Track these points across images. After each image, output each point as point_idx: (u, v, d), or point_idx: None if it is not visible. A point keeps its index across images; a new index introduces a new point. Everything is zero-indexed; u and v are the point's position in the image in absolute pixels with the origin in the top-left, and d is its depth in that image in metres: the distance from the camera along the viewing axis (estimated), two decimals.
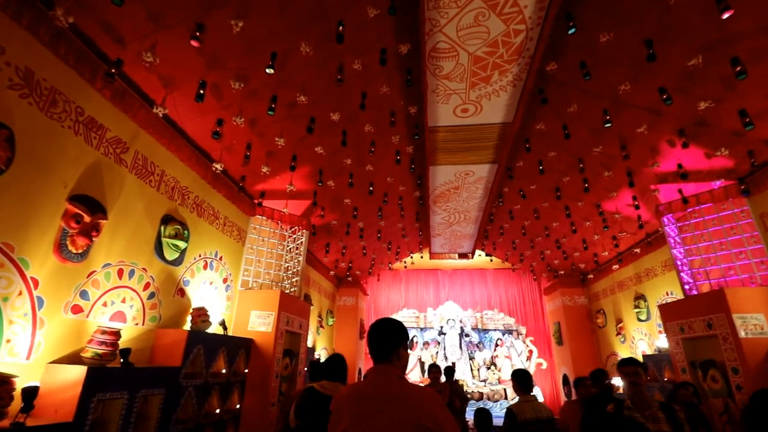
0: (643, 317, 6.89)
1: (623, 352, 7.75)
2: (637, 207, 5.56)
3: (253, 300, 4.93)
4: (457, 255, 11.59)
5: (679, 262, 5.07)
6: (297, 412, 2.65)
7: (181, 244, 3.82)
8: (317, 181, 5.19)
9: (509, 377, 12.47)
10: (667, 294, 6.22)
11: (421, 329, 13.08)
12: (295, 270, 5.77)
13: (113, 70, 2.90)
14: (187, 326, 3.94)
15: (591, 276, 8.52)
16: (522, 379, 3.58)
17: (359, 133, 4.97)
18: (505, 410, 3.40)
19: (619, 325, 7.79)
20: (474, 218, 8.73)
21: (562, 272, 9.05)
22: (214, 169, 4.27)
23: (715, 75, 3.68)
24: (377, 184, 6.17)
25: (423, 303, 13.67)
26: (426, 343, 12.75)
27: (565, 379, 9.58)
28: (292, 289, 5.65)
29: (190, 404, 3.53)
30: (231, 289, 4.93)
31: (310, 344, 7.76)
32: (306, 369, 5.94)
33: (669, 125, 4.38)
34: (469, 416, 8.85)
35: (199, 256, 4.30)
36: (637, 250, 6.66)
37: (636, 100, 4.30)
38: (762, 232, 4.44)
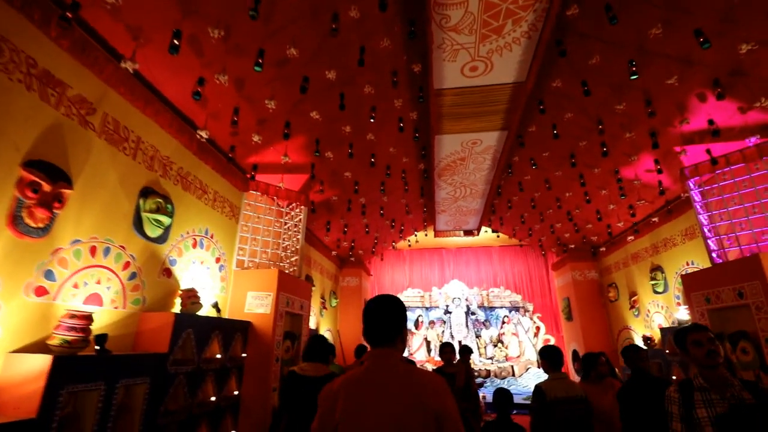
0: (659, 289, 6.58)
1: (637, 327, 7.48)
2: (659, 171, 5.16)
3: (250, 280, 4.60)
4: (462, 232, 11.25)
5: (705, 229, 4.71)
6: (279, 395, 2.49)
7: (165, 220, 3.45)
8: (314, 151, 4.79)
9: (516, 354, 12.41)
10: (687, 264, 5.88)
11: (427, 308, 12.88)
12: (294, 249, 5.43)
13: (68, 15, 2.46)
14: (176, 309, 3.62)
15: (603, 249, 8.19)
16: (551, 356, 3.23)
17: (358, 96, 4.53)
18: (534, 388, 3.07)
19: (632, 299, 7.50)
20: (481, 192, 8.34)
21: (573, 246, 8.71)
22: (198, 137, 3.87)
23: (760, 10, 3.23)
24: (379, 155, 5.76)
25: (428, 282, 13.43)
26: (432, 323, 12.57)
27: (575, 354, 9.37)
28: (291, 269, 5.32)
29: (181, 393, 3.23)
30: (225, 269, 4.59)
31: (313, 326, 7.51)
32: None
33: (701, 76, 3.94)
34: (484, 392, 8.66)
35: (187, 233, 3.94)
36: (655, 219, 6.29)
37: (666, 47, 3.85)
38: None
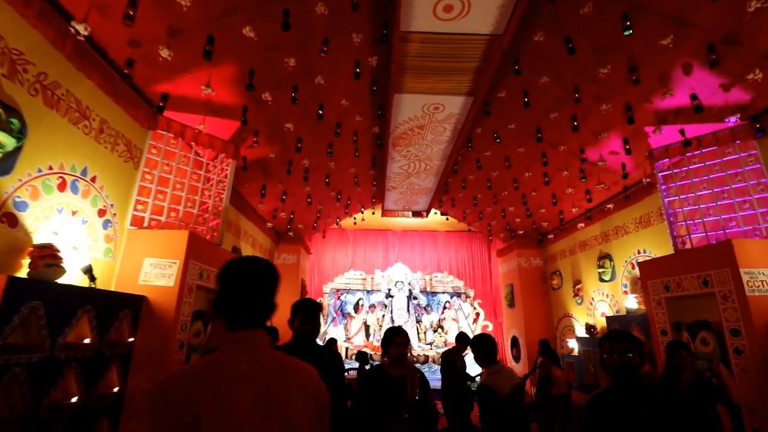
0: (606, 278, 6.50)
1: (579, 315, 7.45)
2: (628, 152, 4.87)
3: (149, 243, 3.53)
4: (411, 213, 10.71)
5: (670, 214, 4.49)
6: None
7: (4, 140, 2.31)
8: (246, 85, 3.77)
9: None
10: (639, 252, 5.78)
11: (368, 292, 12.27)
12: (216, 210, 4.39)
13: None
14: (24, 272, 2.51)
15: (551, 236, 8.07)
16: (486, 348, 2.91)
17: (308, 19, 3.60)
18: (479, 388, 2.75)
19: (577, 287, 7.44)
20: (435, 169, 7.76)
21: (521, 232, 8.52)
22: (74, 32, 2.71)
23: None
24: (328, 107, 4.87)
25: (371, 265, 12.80)
26: (372, 306, 11.99)
27: (515, 341, 9.32)
28: (210, 235, 4.29)
29: (16, 393, 2.19)
30: (114, 226, 3.47)
31: None
32: None
33: (694, 40, 3.57)
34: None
35: (50, 168, 2.79)
36: (610, 206, 6.14)
37: (661, 4, 3.41)
38: None
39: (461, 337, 5.76)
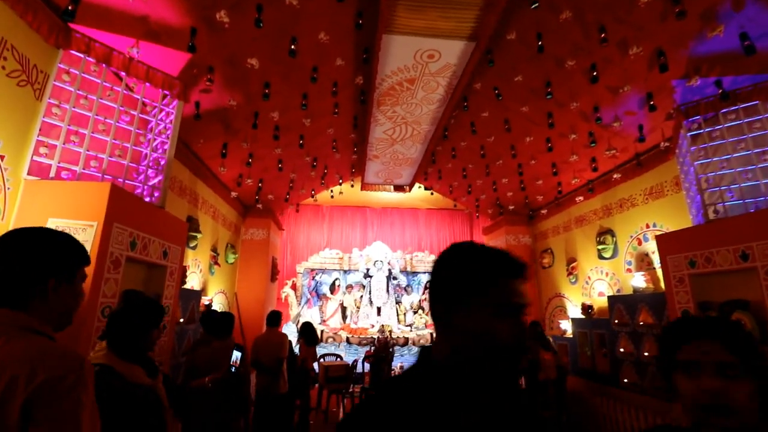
0: (607, 255, 6.00)
1: (572, 295, 7.00)
2: (653, 108, 4.24)
3: (55, 198, 2.60)
4: (392, 188, 9.94)
5: (700, 179, 3.92)
6: None
7: None
8: None
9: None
10: (648, 227, 5.27)
11: (345, 271, 11.52)
12: (158, 167, 3.45)
13: None
14: None
15: (544, 211, 7.52)
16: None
17: None
18: None
19: (571, 265, 6.96)
20: (423, 135, 6.97)
21: (512, 207, 7.93)
22: None
23: None
24: (304, 41, 3.94)
25: (348, 243, 12.03)
26: (349, 287, 11.28)
27: None
28: (150, 197, 3.36)
29: None
30: (1, 172, 2.50)
31: (197, 286, 5.57)
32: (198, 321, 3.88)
33: None
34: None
35: None
36: (617, 176, 5.57)
37: None
38: None
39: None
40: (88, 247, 2.52)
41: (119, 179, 3.06)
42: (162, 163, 3.41)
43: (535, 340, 5.42)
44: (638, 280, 5.14)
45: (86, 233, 2.53)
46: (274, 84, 4.41)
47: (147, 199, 3.33)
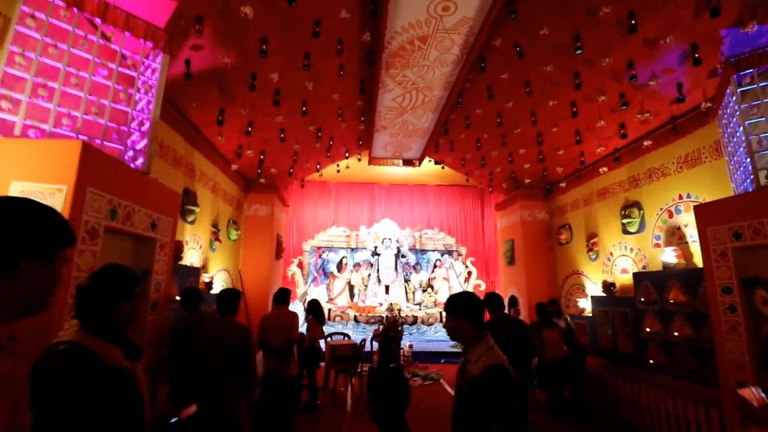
0: (633, 229, 5.60)
1: (592, 272, 6.64)
2: (697, 61, 3.74)
3: (21, 158, 2.27)
4: (401, 162, 9.52)
5: (742, 142, 3.47)
6: None
7: None
8: None
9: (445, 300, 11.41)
10: (681, 198, 4.84)
11: (353, 249, 11.27)
12: (142, 129, 3.10)
13: None
14: None
15: (563, 184, 7.08)
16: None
17: None
18: (496, 370, 1.78)
19: (591, 241, 6.57)
20: (436, 102, 6.50)
21: (528, 181, 7.49)
22: None
23: None
24: None
25: (355, 220, 11.73)
26: (357, 265, 11.04)
27: (513, 300, 8.56)
28: (135, 163, 3.02)
29: None
30: None
31: (196, 263, 5.31)
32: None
33: None
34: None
35: None
36: (647, 143, 5.10)
37: None
38: None
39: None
40: None
41: (97, 140, 2.72)
42: (146, 123, 3.05)
43: (539, 319, 5.23)
44: (668, 256, 4.75)
45: (55, 198, 2.21)
46: (272, 39, 3.98)
47: (132, 165, 3.00)
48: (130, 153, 3.02)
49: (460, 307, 1.85)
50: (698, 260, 4.58)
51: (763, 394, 2.25)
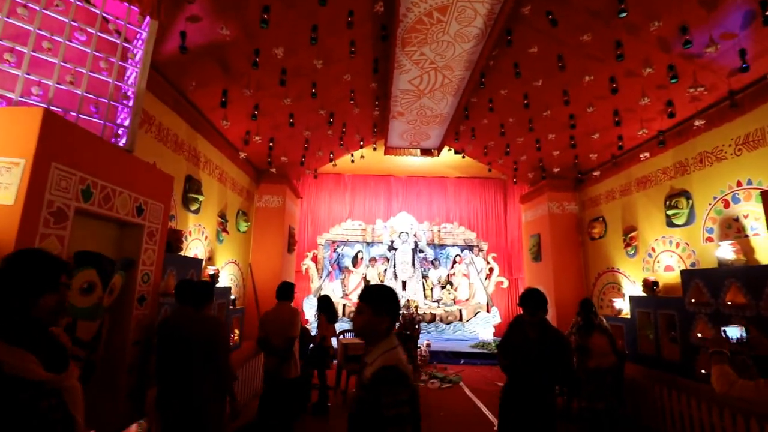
0: (680, 221, 4.99)
1: (630, 269, 6.04)
2: (766, 21, 3.15)
3: None
4: (419, 152, 9.06)
5: None
6: None
7: None
8: None
9: (465, 297, 10.97)
10: (740, 184, 4.23)
11: (368, 244, 10.91)
12: (124, 96, 2.78)
13: None
14: None
15: (597, 173, 6.47)
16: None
17: None
18: (388, 372, 1.50)
19: (629, 235, 5.96)
20: (456, 84, 6.02)
21: (557, 170, 6.91)
22: None
23: None
24: None
25: (371, 214, 11.36)
26: (373, 260, 10.67)
27: None
28: (116, 139, 2.71)
29: None
30: None
31: (201, 254, 5.03)
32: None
33: None
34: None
35: None
36: (699, 123, 4.49)
37: None
38: None
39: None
40: (13, 192, 1.90)
41: (72, 113, 2.41)
42: (129, 95, 2.73)
43: (586, 322, 4.55)
44: (725, 251, 4.15)
45: (11, 174, 1.90)
46: (275, 9, 3.61)
47: (119, 144, 2.69)
48: (118, 130, 2.71)
49: (384, 304, 1.62)
50: (761, 256, 3.98)
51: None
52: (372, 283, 10.31)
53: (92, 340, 2.40)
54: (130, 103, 2.76)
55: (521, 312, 2.92)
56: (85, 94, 2.50)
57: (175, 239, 3.80)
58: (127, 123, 2.76)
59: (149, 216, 2.86)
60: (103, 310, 2.45)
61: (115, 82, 2.66)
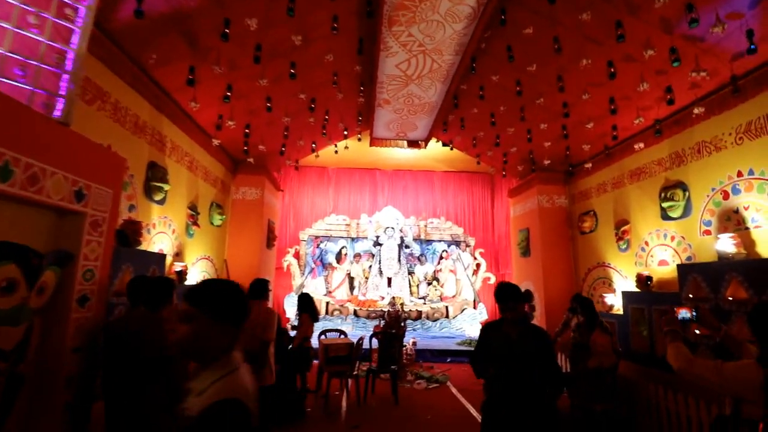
0: (675, 214, 4.82)
1: (622, 264, 5.87)
2: None
3: None
4: (406, 143, 8.73)
5: None
6: None
7: None
8: None
9: (452, 294, 10.74)
10: (740, 175, 4.05)
11: (353, 239, 10.55)
12: (59, 60, 2.35)
13: None
14: None
15: (589, 165, 6.28)
16: None
17: None
18: (224, 409, 1.10)
19: (621, 229, 5.78)
20: (446, 69, 5.71)
21: (548, 162, 6.69)
22: None
23: None
24: None
25: (356, 208, 11.00)
26: (357, 256, 10.33)
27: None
28: (51, 111, 2.29)
29: None
30: None
31: (167, 249, 4.60)
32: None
33: None
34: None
35: None
36: (699, 111, 4.28)
37: None
38: None
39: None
40: None
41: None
42: (66, 60, 2.31)
43: (588, 319, 4.28)
44: (725, 244, 3.96)
45: None
46: None
47: (54, 114, 2.27)
48: (56, 102, 2.28)
49: (226, 307, 1.17)
50: (763, 249, 3.81)
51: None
52: (356, 280, 9.97)
53: (16, 349, 2.00)
54: (68, 68, 2.34)
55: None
56: (8, 53, 2.07)
57: (132, 231, 3.38)
58: (61, 91, 2.34)
59: (93, 203, 2.44)
60: (29, 313, 2.05)
61: (49, 42, 2.24)
